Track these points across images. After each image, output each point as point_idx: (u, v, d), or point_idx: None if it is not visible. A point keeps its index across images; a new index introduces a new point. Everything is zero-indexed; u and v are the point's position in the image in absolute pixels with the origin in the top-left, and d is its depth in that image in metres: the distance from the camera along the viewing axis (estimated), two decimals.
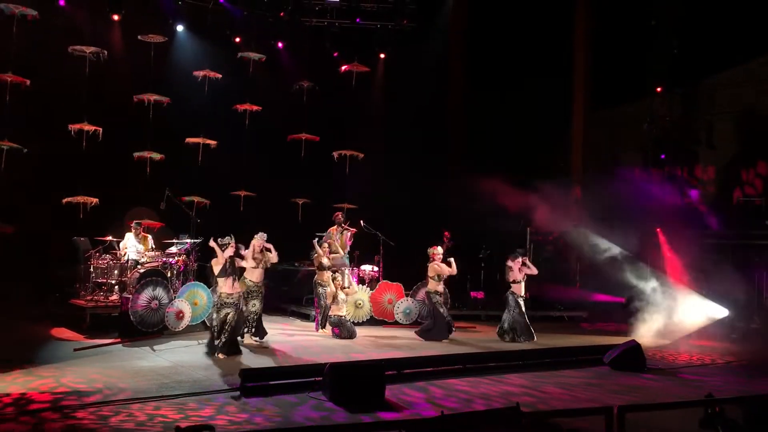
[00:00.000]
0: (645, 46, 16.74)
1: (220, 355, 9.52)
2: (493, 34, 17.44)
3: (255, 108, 16.11)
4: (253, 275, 10.78)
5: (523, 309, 11.88)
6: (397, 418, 6.68)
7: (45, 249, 13.27)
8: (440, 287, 11.97)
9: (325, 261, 11.98)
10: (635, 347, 9.93)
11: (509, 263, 12.00)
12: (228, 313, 9.71)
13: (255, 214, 15.29)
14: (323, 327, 11.99)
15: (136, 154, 14.69)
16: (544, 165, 18.68)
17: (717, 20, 15.58)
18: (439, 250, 12.09)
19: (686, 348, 11.89)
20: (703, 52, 15.92)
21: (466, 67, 18.82)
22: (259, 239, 10.69)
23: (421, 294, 13.28)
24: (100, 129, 14.10)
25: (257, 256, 10.69)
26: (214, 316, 9.89)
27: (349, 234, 13.27)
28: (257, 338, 10.85)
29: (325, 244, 12.23)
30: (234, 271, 9.92)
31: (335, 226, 13.29)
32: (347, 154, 16.91)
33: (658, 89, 16.78)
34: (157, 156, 14.75)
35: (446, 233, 14.58)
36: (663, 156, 16.78)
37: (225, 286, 9.81)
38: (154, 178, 14.54)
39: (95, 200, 13.87)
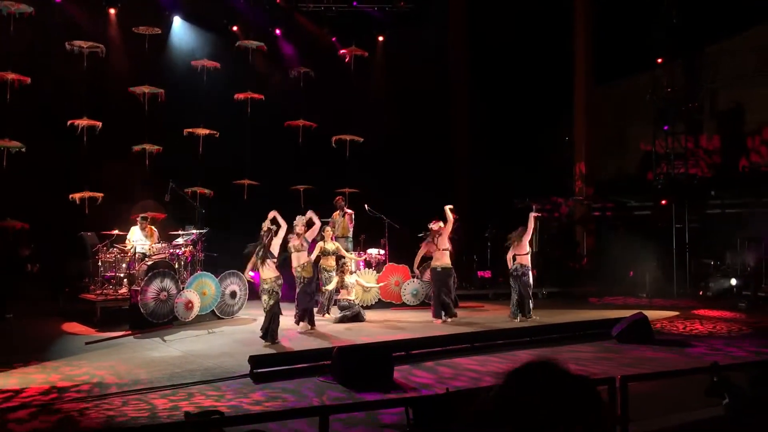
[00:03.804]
0: (645, 17, 16.58)
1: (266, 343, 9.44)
2: (492, 12, 17.31)
3: (256, 96, 16.11)
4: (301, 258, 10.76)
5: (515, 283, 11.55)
6: (405, 397, 6.73)
7: (53, 245, 13.36)
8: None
9: (330, 246, 11.98)
10: (642, 319, 9.94)
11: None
12: (265, 300, 9.61)
13: (258, 202, 15.30)
14: (328, 312, 12.04)
15: (135, 147, 14.75)
16: (548, 141, 18.65)
17: None
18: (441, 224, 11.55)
19: (694, 318, 11.90)
20: (703, 20, 15.77)
21: (466, 45, 18.72)
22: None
23: (428, 275, 13.28)
24: (100, 124, 14.15)
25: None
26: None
27: (348, 217, 13.28)
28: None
29: (328, 229, 12.18)
30: (265, 254, 9.65)
31: (337, 211, 13.31)
32: (347, 138, 16.90)
33: (659, 60, 16.63)
34: (154, 148, 14.79)
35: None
36: (666, 127, 16.65)
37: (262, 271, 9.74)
38: (155, 170, 14.59)
39: (101, 195, 13.97)
